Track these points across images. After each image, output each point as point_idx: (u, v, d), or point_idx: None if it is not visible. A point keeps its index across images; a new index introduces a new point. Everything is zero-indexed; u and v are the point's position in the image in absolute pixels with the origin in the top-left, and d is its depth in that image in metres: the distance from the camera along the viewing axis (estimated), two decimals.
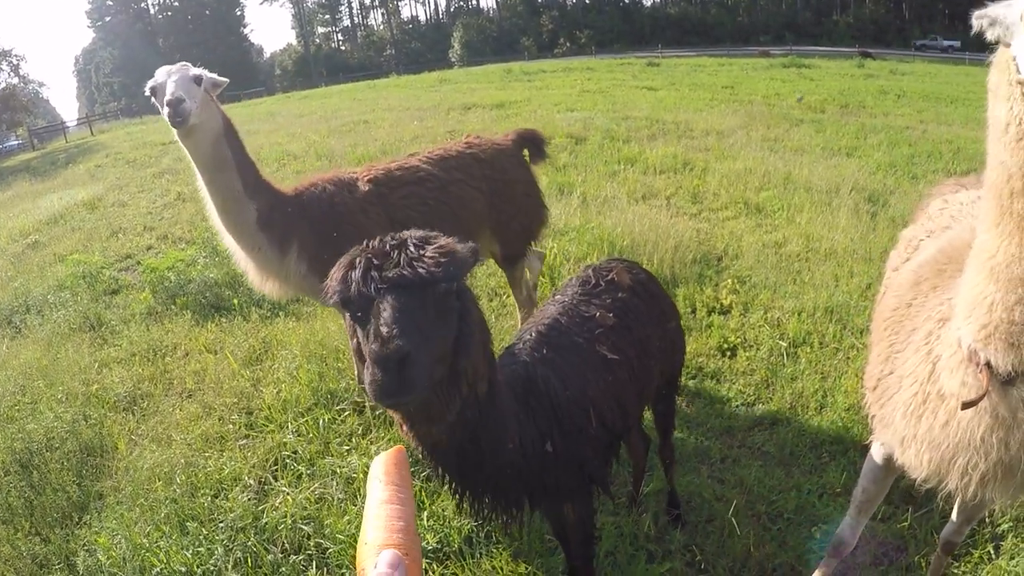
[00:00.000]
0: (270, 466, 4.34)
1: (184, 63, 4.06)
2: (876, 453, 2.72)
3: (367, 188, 4.47)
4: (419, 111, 20.68)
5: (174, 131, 3.98)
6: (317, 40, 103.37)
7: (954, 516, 2.97)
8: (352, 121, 19.65)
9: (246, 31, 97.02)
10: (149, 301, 7.27)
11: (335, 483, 4.07)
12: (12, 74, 64.08)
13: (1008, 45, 1.72)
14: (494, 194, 4.90)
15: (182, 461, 4.42)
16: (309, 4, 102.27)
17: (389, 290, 1.71)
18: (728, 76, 29.11)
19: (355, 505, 3.86)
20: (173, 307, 7.14)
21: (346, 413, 4.81)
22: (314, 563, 3.48)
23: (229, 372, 5.50)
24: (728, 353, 5.36)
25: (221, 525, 3.73)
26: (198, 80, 3.98)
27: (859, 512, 2.90)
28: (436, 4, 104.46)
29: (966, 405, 1.92)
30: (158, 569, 3.44)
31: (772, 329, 5.61)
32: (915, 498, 3.79)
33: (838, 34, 67.52)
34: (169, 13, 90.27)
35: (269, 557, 3.49)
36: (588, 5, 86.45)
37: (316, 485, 4.03)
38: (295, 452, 4.40)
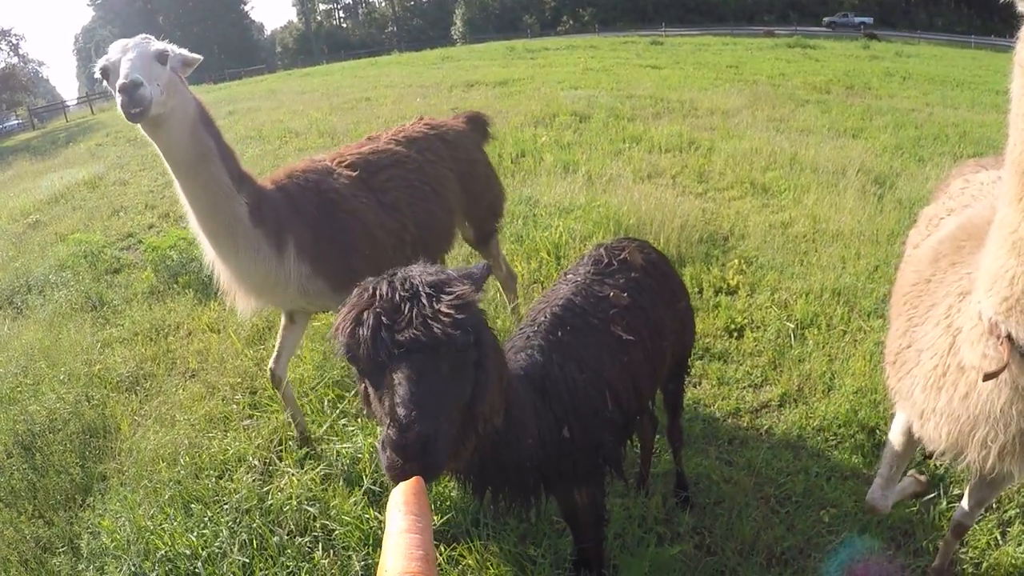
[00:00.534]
0: (275, 447, 4.31)
1: (145, 36, 3.31)
2: (897, 424, 2.82)
3: (348, 173, 4.09)
4: (422, 88, 20.55)
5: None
6: (318, 17, 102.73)
7: (965, 500, 2.96)
8: (354, 99, 19.53)
9: (246, 8, 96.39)
10: (151, 280, 7.24)
11: (340, 464, 4.05)
12: (12, 53, 64.06)
13: None
14: (463, 175, 4.75)
15: (186, 442, 4.40)
16: None
17: (402, 356, 1.56)
18: (732, 55, 28.90)
19: (361, 487, 3.83)
20: (175, 286, 7.10)
21: (351, 393, 4.78)
22: (320, 545, 3.45)
23: (232, 351, 5.47)
24: (735, 334, 5.33)
25: (226, 507, 3.70)
26: (162, 57, 3.25)
27: (887, 478, 3.01)
28: None
29: (987, 376, 1.94)
30: (162, 551, 3.41)
31: (779, 310, 5.58)
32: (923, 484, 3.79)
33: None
34: None
35: (275, 539, 3.47)
36: None
37: (322, 465, 4.01)
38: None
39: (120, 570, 3.42)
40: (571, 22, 76.65)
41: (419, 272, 1.70)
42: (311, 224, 3.81)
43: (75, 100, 56.24)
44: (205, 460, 4.18)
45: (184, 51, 3.46)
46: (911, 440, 2.79)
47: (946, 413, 2.20)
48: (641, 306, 2.78)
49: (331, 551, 3.43)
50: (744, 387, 4.71)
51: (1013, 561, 3.27)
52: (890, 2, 71.19)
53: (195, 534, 3.52)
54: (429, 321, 1.58)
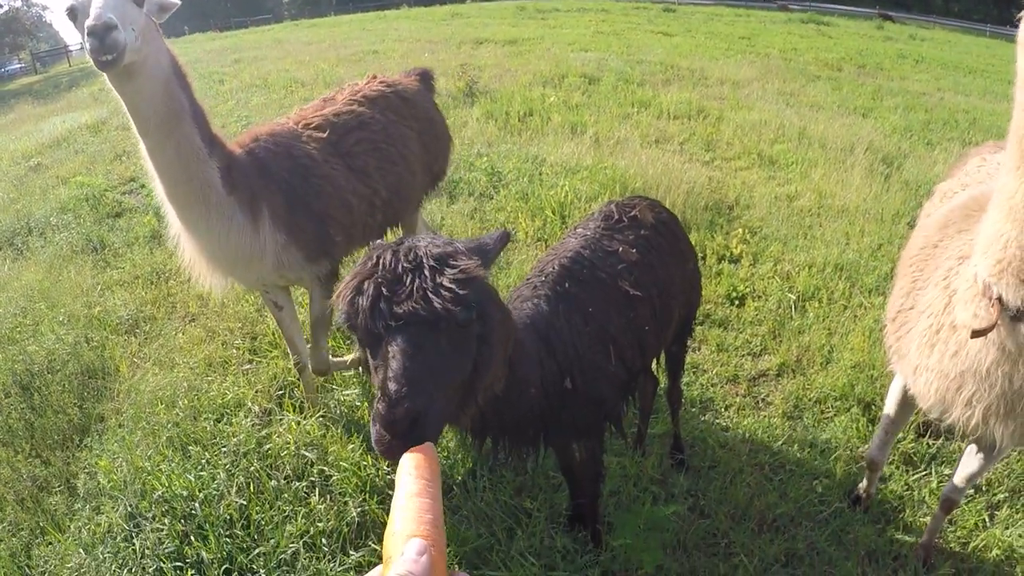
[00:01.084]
0: (274, 392, 4.32)
1: None
2: (896, 383, 3.02)
3: (318, 135, 3.83)
4: (430, 43, 20.29)
5: (103, 75, 2.86)
6: None
7: (956, 475, 3.00)
8: (362, 51, 19.27)
9: None
10: (153, 225, 7.19)
11: (339, 411, 4.06)
12: None
13: None
14: (423, 133, 4.53)
15: (184, 385, 4.41)
16: None
17: (399, 329, 1.51)
18: (745, 27, 28.53)
19: (359, 435, 3.86)
20: None
21: (350, 342, 4.78)
22: (317, 490, 3.48)
23: (233, 296, 5.44)
24: (736, 302, 5.33)
25: (224, 450, 3.72)
26: None
27: (886, 433, 3.25)
28: None
29: (975, 334, 2.02)
30: (160, 492, 3.44)
31: (781, 281, 5.58)
32: (914, 461, 3.84)
33: None
34: None
35: (272, 483, 3.49)
36: None
37: (320, 412, 4.03)
38: (298, 379, 4.37)
39: (116, 510, 3.45)
40: None
41: (426, 243, 1.64)
42: (284, 191, 3.55)
43: (78, 45, 55.53)
44: (204, 403, 4.19)
45: None
46: (907, 405, 2.97)
47: (936, 370, 2.30)
48: (650, 263, 2.76)
49: (328, 496, 3.45)
50: (743, 355, 4.72)
51: (999, 542, 3.32)
52: None
53: (193, 476, 3.53)
54: (429, 295, 1.53)
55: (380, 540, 3.12)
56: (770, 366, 4.61)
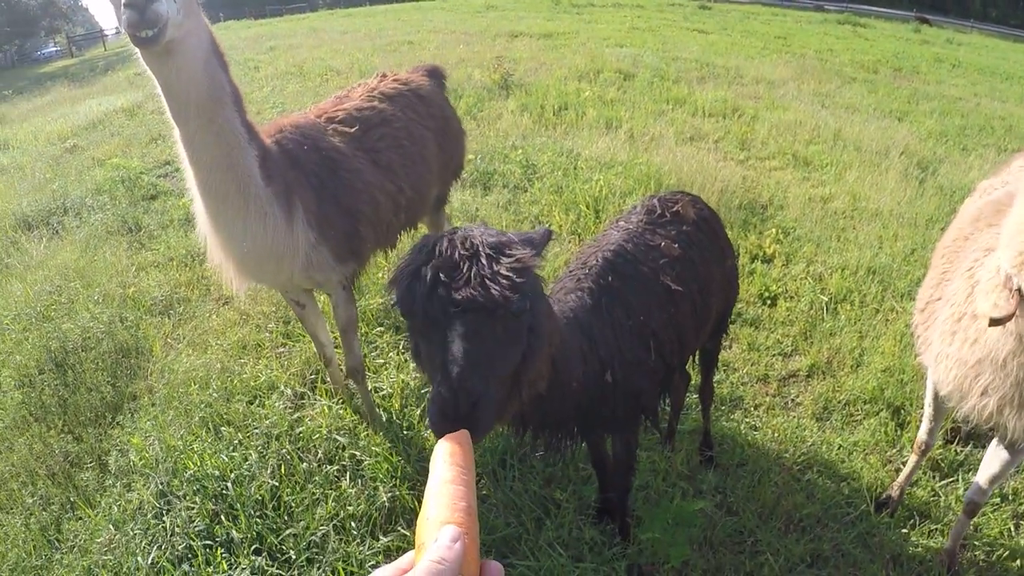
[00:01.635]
0: (308, 375, 4.36)
1: None
2: (928, 391, 3.14)
3: (344, 129, 3.68)
4: (465, 35, 20.26)
5: (138, 52, 2.61)
6: None
7: (979, 477, 2.97)
8: (397, 41, 19.27)
9: None
10: (187, 207, 7.23)
11: (372, 397, 4.09)
12: None
13: None
14: (439, 132, 4.40)
15: (218, 366, 4.46)
16: None
17: (458, 315, 1.52)
18: (781, 27, 28.21)
19: (391, 421, 3.89)
20: None
21: (381, 328, 4.81)
22: (348, 474, 3.51)
23: None
24: (769, 302, 5.30)
25: (256, 431, 3.77)
26: None
27: (931, 421, 3.31)
28: None
29: (993, 322, 2.06)
30: (191, 471, 3.49)
31: (814, 283, 5.53)
32: (942, 467, 3.81)
33: None
34: None
35: (303, 465, 3.53)
36: None
37: (352, 398, 4.06)
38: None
39: (148, 487, 3.51)
40: None
41: (480, 232, 1.65)
42: (314, 185, 3.36)
43: (114, 29, 56.19)
44: (237, 385, 4.24)
45: None
46: (941, 403, 3.02)
47: (956, 357, 2.35)
48: (691, 259, 2.76)
49: (359, 481, 3.49)
50: (774, 354, 4.69)
51: None
52: None
53: (225, 456, 3.59)
54: (487, 282, 1.54)
55: (410, 526, 3.15)
56: (800, 367, 4.58)
